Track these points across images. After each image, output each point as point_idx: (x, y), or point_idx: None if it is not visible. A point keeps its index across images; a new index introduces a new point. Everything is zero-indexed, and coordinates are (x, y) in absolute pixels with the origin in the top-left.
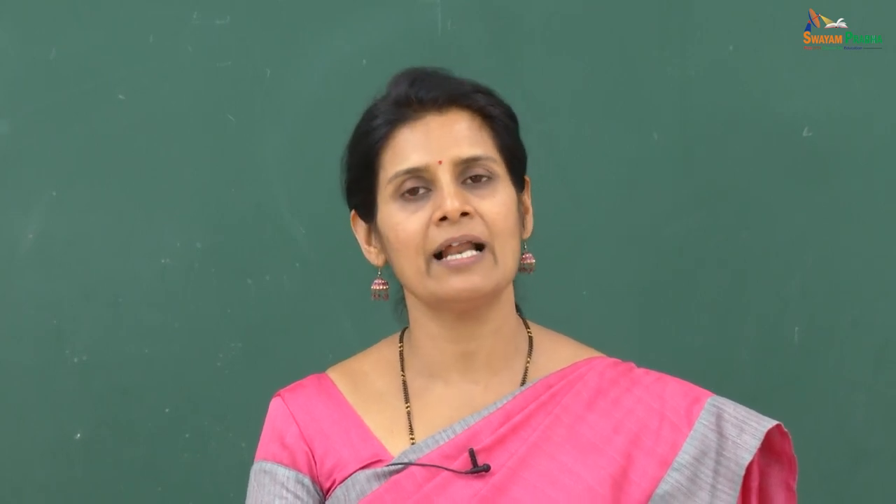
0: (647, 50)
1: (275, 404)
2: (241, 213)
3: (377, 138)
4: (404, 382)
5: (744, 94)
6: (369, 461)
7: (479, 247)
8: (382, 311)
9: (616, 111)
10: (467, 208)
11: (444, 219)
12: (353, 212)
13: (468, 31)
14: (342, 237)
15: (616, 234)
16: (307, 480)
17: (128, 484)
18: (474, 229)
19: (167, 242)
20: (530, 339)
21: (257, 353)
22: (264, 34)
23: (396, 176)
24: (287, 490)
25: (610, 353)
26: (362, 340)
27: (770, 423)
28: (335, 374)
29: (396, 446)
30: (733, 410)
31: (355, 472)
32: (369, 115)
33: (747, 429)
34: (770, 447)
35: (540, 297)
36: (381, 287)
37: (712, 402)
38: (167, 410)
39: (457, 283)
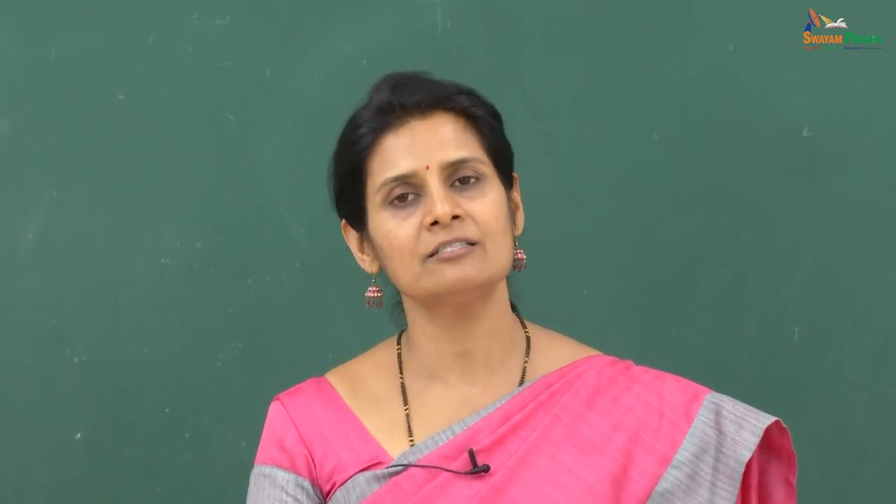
0: (647, 50)
1: (274, 408)
2: (241, 213)
3: (363, 147)
4: (402, 385)
5: (744, 94)
6: (369, 463)
7: (472, 243)
8: (382, 312)
9: (616, 111)
10: (458, 211)
11: (435, 223)
12: (343, 221)
13: (468, 31)
14: (342, 238)
15: (616, 234)
16: (307, 484)
17: (128, 484)
18: (467, 231)
19: (167, 242)
20: (527, 338)
21: (257, 353)
22: (264, 34)
23: (385, 184)
24: (287, 494)
25: (610, 353)
26: (362, 341)
27: (769, 419)
28: (334, 378)
29: (396, 448)
30: (732, 407)
31: (355, 474)
32: (353, 125)
33: (746, 425)
34: (769, 443)
35: (540, 297)
36: (375, 294)
37: (711, 398)
38: (167, 410)
39: (450, 274)
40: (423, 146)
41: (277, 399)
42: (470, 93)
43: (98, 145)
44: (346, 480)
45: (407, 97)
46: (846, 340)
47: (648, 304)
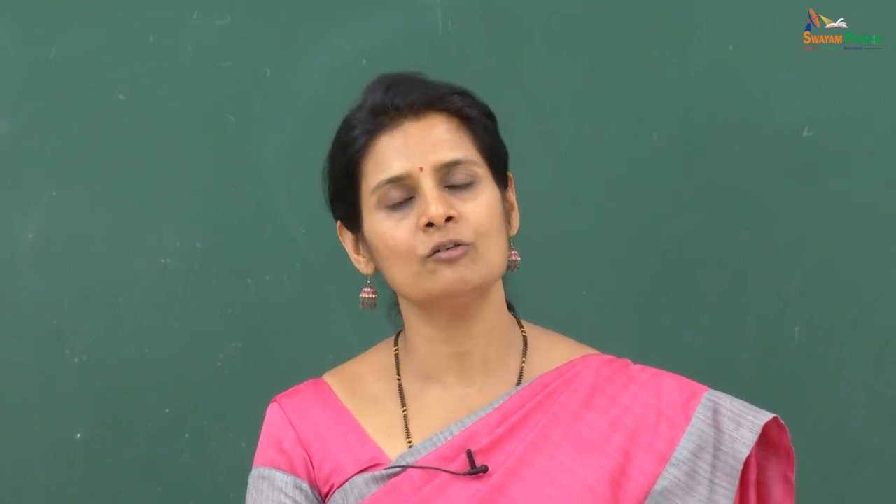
0: (647, 50)
1: (272, 410)
2: (241, 213)
3: (356, 149)
4: (400, 386)
5: (744, 94)
6: (367, 465)
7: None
8: (382, 312)
9: (616, 111)
10: (452, 212)
11: (429, 224)
12: (338, 222)
13: (468, 31)
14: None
15: (616, 234)
16: (305, 485)
17: (128, 484)
18: (460, 233)
19: (167, 242)
20: (524, 338)
21: (257, 353)
22: (264, 34)
23: (379, 185)
24: (286, 495)
25: (610, 353)
26: (362, 341)
27: (767, 416)
28: (331, 379)
29: (394, 449)
30: (730, 404)
31: (353, 476)
32: (347, 126)
33: (744, 423)
34: (767, 440)
35: (540, 297)
36: (369, 296)
37: (709, 396)
38: (167, 410)
39: (447, 276)
40: (417, 147)
41: (275, 400)
42: (464, 93)
43: (98, 145)
44: (345, 482)
45: (400, 98)
46: (846, 340)
47: (648, 304)
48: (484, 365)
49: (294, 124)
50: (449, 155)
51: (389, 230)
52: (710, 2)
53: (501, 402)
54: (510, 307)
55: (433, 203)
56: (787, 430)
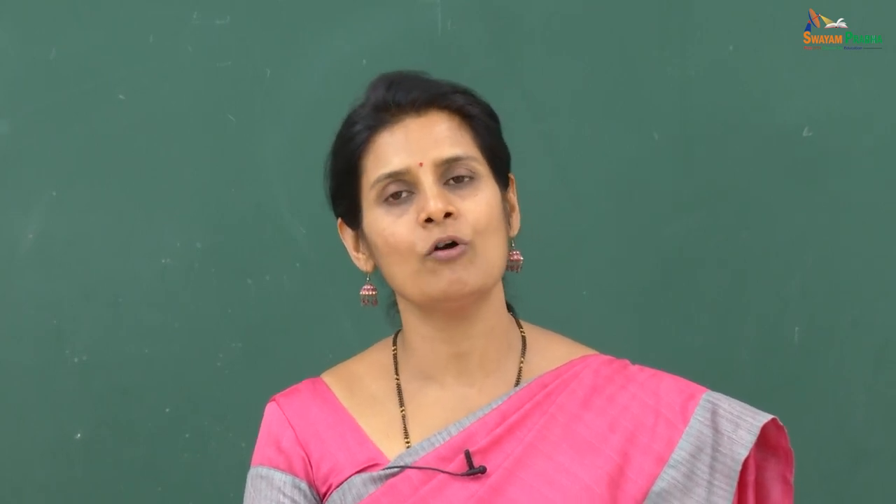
0: (647, 50)
1: (270, 409)
2: (241, 213)
3: (357, 144)
4: (398, 386)
5: (744, 94)
6: (365, 465)
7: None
8: (382, 312)
9: (616, 111)
10: (451, 209)
11: (428, 220)
12: (339, 220)
13: (468, 31)
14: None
15: (616, 234)
16: (304, 485)
17: (128, 484)
18: (459, 230)
19: (167, 242)
20: (523, 338)
21: (257, 353)
22: (264, 34)
23: (378, 180)
24: (284, 495)
25: (610, 353)
26: (362, 340)
27: (765, 417)
28: (330, 378)
29: (392, 450)
30: (728, 406)
31: (351, 476)
32: (349, 122)
33: (742, 424)
34: (766, 441)
35: (540, 297)
36: (369, 293)
37: (707, 397)
38: (167, 410)
39: (446, 278)
40: (418, 143)
41: (273, 400)
42: (466, 92)
43: (98, 145)
44: (343, 482)
45: (402, 95)
46: (846, 340)
47: (648, 304)
48: (483, 365)
49: (294, 124)
50: (449, 151)
51: (389, 226)
52: (710, 2)
53: (500, 402)
54: (510, 308)
55: (432, 199)
56: (786, 431)
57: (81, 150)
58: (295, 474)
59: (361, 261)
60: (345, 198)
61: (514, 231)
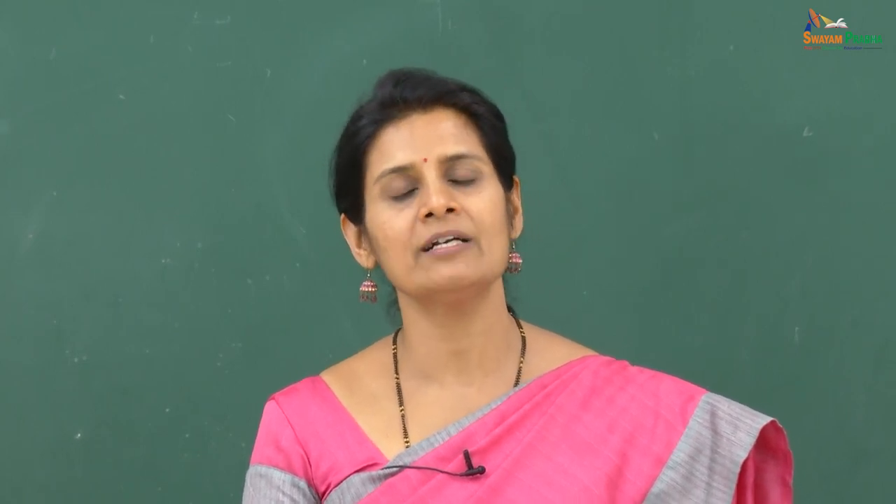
0: (647, 50)
1: (269, 408)
2: (241, 213)
3: (363, 138)
4: (398, 385)
5: (744, 94)
6: (364, 464)
7: (466, 240)
8: (382, 312)
9: (616, 111)
10: (453, 204)
11: (430, 215)
12: (342, 215)
13: (468, 31)
14: (342, 237)
15: (616, 234)
16: (303, 484)
17: (128, 484)
18: (460, 225)
19: (167, 242)
20: (523, 338)
21: (257, 353)
22: (264, 34)
23: (382, 175)
24: (283, 494)
25: (610, 353)
26: (362, 340)
27: (764, 419)
28: (329, 377)
29: (391, 449)
30: (727, 407)
31: (350, 475)
32: (355, 117)
33: (742, 426)
34: (765, 443)
35: (540, 297)
36: (369, 289)
37: (706, 399)
38: (167, 410)
39: (443, 271)
40: (423, 140)
41: (273, 399)
42: (473, 91)
43: (98, 145)
44: (342, 481)
45: (409, 91)
46: (846, 340)
47: (648, 304)
48: (482, 364)
49: (294, 124)
50: (454, 148)
51: (389, 220)
52: (710, 2)
53: (499, 402)
54: (510, 309)
55: (434, 194)
56: (785, 433)
57: (81, 150)
58: (294, 473)
59: (363, 257)
60: (348, 193)
61: (517, 233)
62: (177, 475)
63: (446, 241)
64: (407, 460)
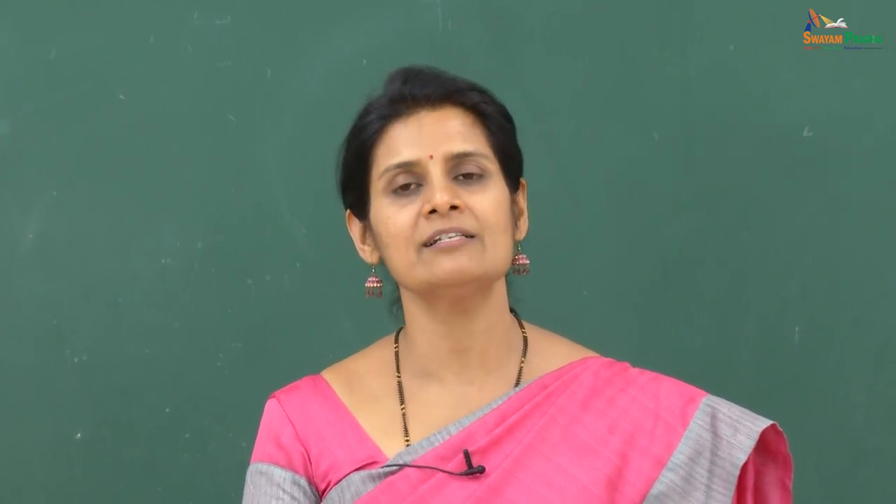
0: (647, 50)
1: (270, 406)
2: (241, 213)
3: (370, 133)
4: (399, 383)
5: (744, 94)
6: (364, 462)
7: (469, 236)
8: (382, 311)
9: (616, 111)
10: (457, 202)
11: (433, 212)
12: (348, 211)
13: (468, 31)
14: (342, 237)
15: (616, 234)
16: (303, 482)
17: (128, 484)
18: (463, 223)
19: (167, 242)
20: (525, 339)
21: (257, 353)
22: (264, 34)
23: (388, 170)
24: (284, 491)
25: (610, 354)
26: (362, 340)
27: (765, 422)
28: (330, 376)
29: (391, 448)
30: (728, 410)
31: (350, 473)
32: (364, 112)
33: (742, 429)
34: (765, 446)
35: (540, 297)
36: (374, 285)
37: (707, 401)
38: (167, 410)
39: (445, 264)
40: (430, 136)
41: (274, 396)
42: (482, 90)
43: (98, 145)
44: (341, 479)
45: (418, 88)
46: (846, 340)
47: (648, 304)
48: (483, 363)
49: (294, 124)
50: (460, 146)
51: (392, 215)
52: (710, 2)
53: (500, 402)
54: (512, 310)
55: (439, 191)
56: (785, 436)
57: (81, 150)
58: (295, 471)
59: (367, 252)
60: (354, 188)
61: (521, 235)
62: (177, 475)
63: (449, 237)
64: (407, 459)
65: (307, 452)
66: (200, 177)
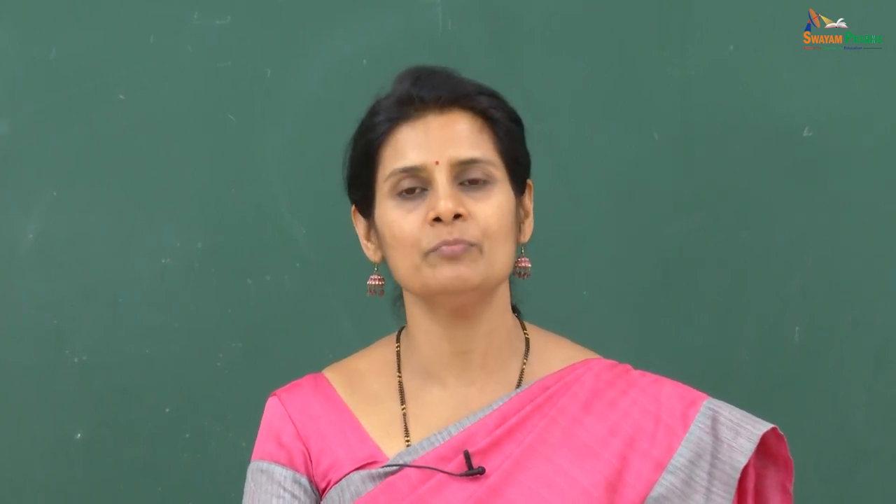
0: (647, 50)
1: (271, 404)
2: (241, 213)
3: (377, 135)
4: (400, 383)
5: (744, 94)
6: (364, 462)
7: (471, 244)
8: (382, 311)
9: (616, 111)
10: (461, 210)
11: (437, 220)
12: (353, 206)
13: (468, 31)
14: (342, 237)
15: (616, 234)
16: (304, 480)
17: (128, 484)
18: (467, 232)
19: (167, 242)
20: (527, 340)
21: (257, 353)
22: (264, 34)
23: (393, 173)
24: (284, 489)
25: (610, 354)
26: (362, 340)
27: (765, 426)
28: (331, 374)
29: (392, 448)
30: (729, 413)
31: (350, 472)
32: (372, 112)
33: (742, 432)
34: (766, 449)
35: (540, 297)
36: (377, 283)
37: (708, 404)
38: (167, 410)
39: (446, 272)
40: (437, 141)
41: (275, 395)
42: (492, 94)
43: (98, 145)
44: (342, 478)
45: (427, 91)
46: (846, 340)
47: (648, 304)
48: (485, 365)
49: (294, 124)
50: (467, 152)
51: (397, 219)
52: (710, 2)
53: (500, 403)
54: (515, 310)
55: (443, 199)
56: (786, 440)
57: (81, 150)
58: (295, 469)
59: (371, 250)
60: (360, 186)
61: (526, 237)
62: (177, 475)
63: (451, 246)
64: (407, 459)
65: (308, 451)
66: (200, 177)
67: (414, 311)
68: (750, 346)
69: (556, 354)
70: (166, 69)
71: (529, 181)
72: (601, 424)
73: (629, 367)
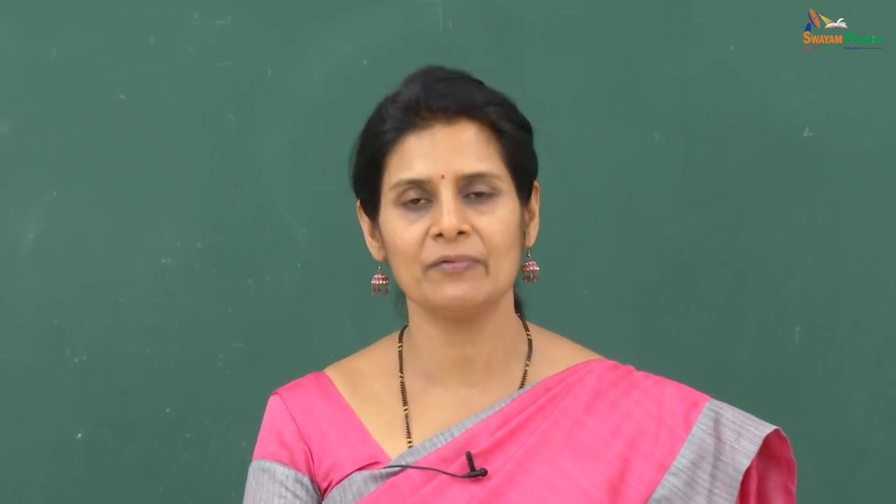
0: (647, 50)
1: (273, 403)
2: (241, 213)
3: (384, 143)
4: (402, 384)
5: (744, 94)
6: (367, 462)
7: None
8: (382, 312)
9: (616, 111)
10: (465, 227)
11: (440, 235)
12: (358, 202)
13: (468, 31)
14: (342, 237)
15: (616, 234)
16: (306, 479)
17: (128, 484)
18: (470, 249)
19: (167, 242)
20: (529, 342)
21: (257, 353)
22: (264, 34)
23: (398, 184)
24: (286, 489)
25: (610, 354)
26: (362, 340)
27: (768, 428)
28: (333, 373)
29: (394, 448)
30: (731, 415)
31: (352, 473)
32: (379, 117)
33: (745, 433)
34: (769, 451)
35: (540, 298)
36: (380, 282)
37: (710, 406)
38: (167, 410)
39: (449, 291)
40: (443, 153)
41: (276, 393)
42: (501, 104)
43: (98, 145)
44: (343, 478)
45: (435, 100)
46: (846, 340)
47: (648, 304)
48: (487, 368)
49: (294, 124)
50: (473, 166)
51: (400, 230)
52: (710, 2)
53: (503, 405)
54: (518, 307)
55: (447, 215)
56: (789, 442)
57: (81, 150)
58: (297, 468)
59: (375, 249)
60: (365, 188)
61: (531, 242)
62: (177, 475)
63: (453, 264)
64: (409, 460)
65: (310, 450)
66: (200, 177)
67: (416, 316)
68: (750, 346)
69: (558, 355)
70: (166, 69)
71: (536, 183)
72: (603, 426)
73: (632, 368)
